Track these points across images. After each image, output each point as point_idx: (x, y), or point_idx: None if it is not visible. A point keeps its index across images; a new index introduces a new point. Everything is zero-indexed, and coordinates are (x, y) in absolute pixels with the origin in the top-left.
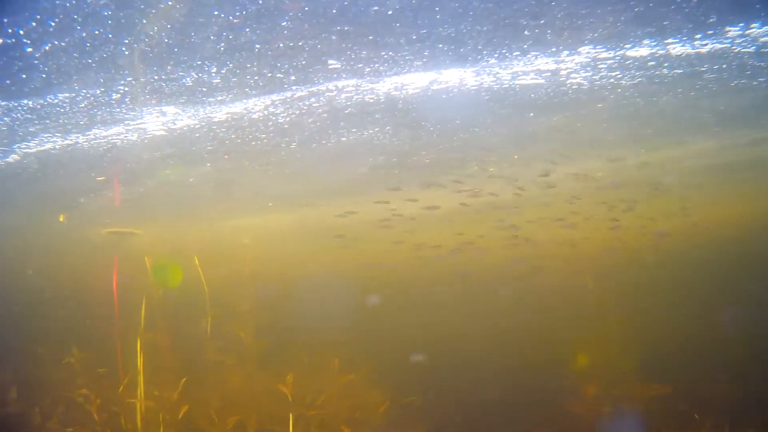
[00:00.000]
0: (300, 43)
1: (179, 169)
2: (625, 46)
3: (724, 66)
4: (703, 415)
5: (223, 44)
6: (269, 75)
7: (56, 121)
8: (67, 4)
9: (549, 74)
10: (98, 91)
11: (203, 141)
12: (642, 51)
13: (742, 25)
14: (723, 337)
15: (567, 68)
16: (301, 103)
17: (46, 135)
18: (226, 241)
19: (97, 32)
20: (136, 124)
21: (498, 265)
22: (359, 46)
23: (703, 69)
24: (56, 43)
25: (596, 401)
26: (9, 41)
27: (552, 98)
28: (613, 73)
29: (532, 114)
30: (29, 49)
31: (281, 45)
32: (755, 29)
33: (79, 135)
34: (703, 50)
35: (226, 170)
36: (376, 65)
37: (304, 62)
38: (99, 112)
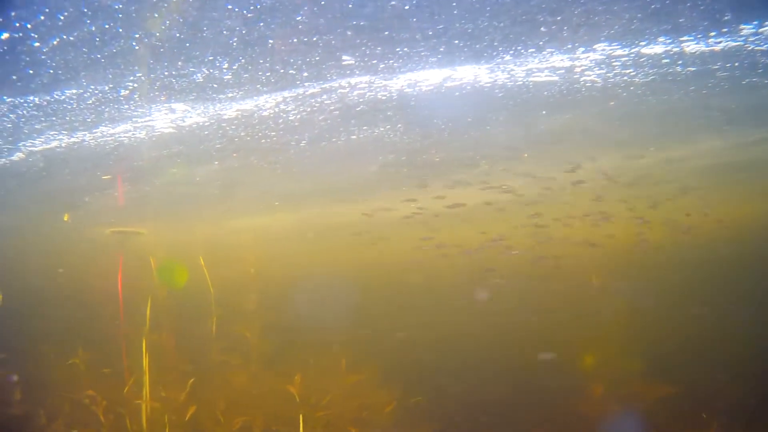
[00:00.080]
0: (314, 39)
1: (186, 168)
2: (640, 43)
3: (737, 64)
4: (715, 416)
5: (235, 39)
6: (281, 71)
7: (63, 118)
8: None
9: (563, 71)
10: (107, 88)
11: (212, 139)
12: (657, 48)
13: (756, 23)
14: (746, 337)
15: (581, 65)
16: (312, 100)
17: (52, 132)
18: (232, 241)
19: (107, 26)
20: (145, 121)
21: (520, 264)
22: (374, 41)
23: (716, 67)
24: (65, 37)
25: (608, 402)
26: (16, 35)
27: (565, 96)
28: (627, 71)
29: (544, 112)
30: (37, 44)
31: (295, 40)
32: None
33: (85, 132)
34: (717, 48)
35: (234, 169)
36: (391, 61)
37: (317, 58)
38: (107, 109)
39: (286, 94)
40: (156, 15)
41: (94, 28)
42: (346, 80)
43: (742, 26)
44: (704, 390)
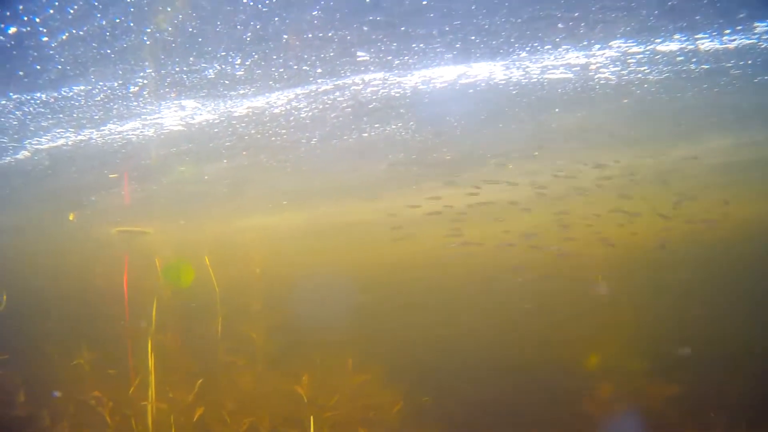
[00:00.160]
0: (330, 34)
1: (195, 166)
2: (656, 40)
3: (749, 62)
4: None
5: (249, 34)
6: (295, 67)
7: (70, 115)
8: None
9: (578, 69)
10: (116, 84)
11: (222, 137)
12: (672, 46)
13: None
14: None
15: (597, 63)
16: (325, 97)
17: (58, 130)
18: (240, 240)
19: (118, 20)
20: (154, 118)
21: (543, 262)
22: (390, 37)
23: (729, 65)
24: (74, 32)
25: (617, 402)
26: (24, 30)
27: (579, 93)
28: (642, 68)
29: (557, 110)
30: (45, 39)
31: (310, 35)
32: None
33: (93, 130)
34: (731, 45)
35: (243, 167)
36: (406, 58)
37: (332, 54)
38: (115, 106)
39: (298, 90)
40: (169, 9)
41: (104, 22)
42: (359, 77)
43: (756, 24)
44: (716, 389)
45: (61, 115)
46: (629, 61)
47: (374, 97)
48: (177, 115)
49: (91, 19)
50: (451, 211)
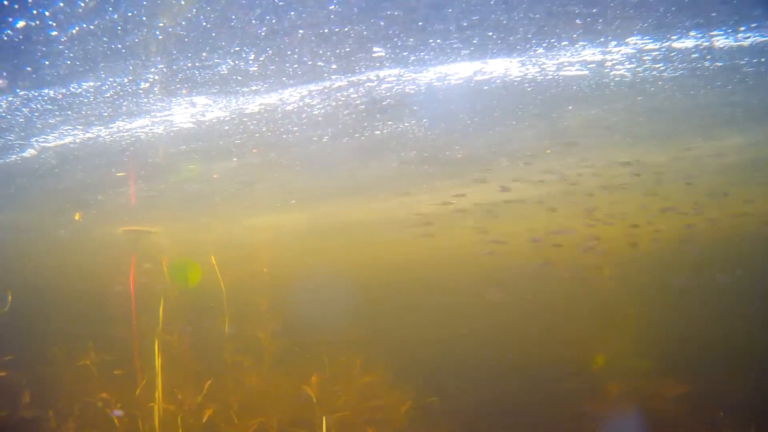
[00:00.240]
0: (346, 29)
1: (204, 164)
2: (672, 37)
3: (763, 60)
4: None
5: (264, 29)
6: (309, 63)
7: (78, 112)
8: None
9: (594, 65)
10: (126, 80)
11: (232, 134)
12: (687, 43)
13: None
14: None
15: (612, 59)
16: (338, 94)
17: (66, 127)
18: (248, 240)
19: (130, 14)
20: (164, 116)
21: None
22: (407, 32)
23: (743, 62)
24: (84, 26)
25: (625, 401)
26: (32, 23)
27: (594, 90)
28: (657, 66)
29: (570, 107)
30: (54, 33)
31: (326, 30)
32: None
33: (101, 128)
34: (745, 43)
35: (253, 165)
36: (422, 54)
37: (347, 49)
38: (125, 103)
39: (311, 87)
40: (183, 2)
41: (116, 16)
42: (374, 73)
43: None
44: (727, 389)
45: (69, 112)
46: (644, 58)
47: (388, 94)
48: (187, 112)
49: (102, 13)
50: (479, 209)
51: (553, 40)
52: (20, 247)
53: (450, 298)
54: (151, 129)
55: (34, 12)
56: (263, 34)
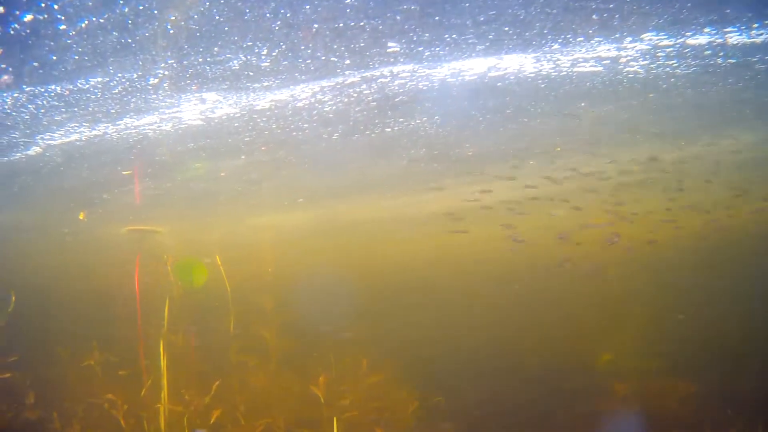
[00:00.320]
0: (362, 23)
1: (211, 162)
2: (686, 33)
3: None
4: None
5: (278, 23)
6: (323, 58)
7: (85, 108)
8: None
9: (609, 62)
10: (135, 76)
11: (241, 132)
12: (701, 39)
13: None
14: None
15: (627, 56)
16: (351, 90)
17: (72, 124)
18: (255, 239)
19: (141, 7)
20: (172, 112)
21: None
22: (423, 27)
23: (755, 59)
24: (94, 20)
25: (632, 401)
26: (40, 17)
27: (607, 87)
28: (670, 62)
29: (583, 104)
30: (63, 27)
31: (341, 24)
32: None
33: (108, 124)
34: (758, 40)
35: (261, 163)
36: (437, 49)
37: (362, 44)
38: (133, 99)
39: (324, 83)
40: None
41: (127, 9)
42: (388, 68)
43: None
44: (736, 388)
45: (75, 109)
46: (658, 54)
47: (401, 90)
48: (197, 108)
49: (113, 6)
50: (502, 207)
51: (569, 36)
52: (23, 247)
53: (459, 297)
54: (159, 126)
55: (43, 5)
56: (277, 28)
